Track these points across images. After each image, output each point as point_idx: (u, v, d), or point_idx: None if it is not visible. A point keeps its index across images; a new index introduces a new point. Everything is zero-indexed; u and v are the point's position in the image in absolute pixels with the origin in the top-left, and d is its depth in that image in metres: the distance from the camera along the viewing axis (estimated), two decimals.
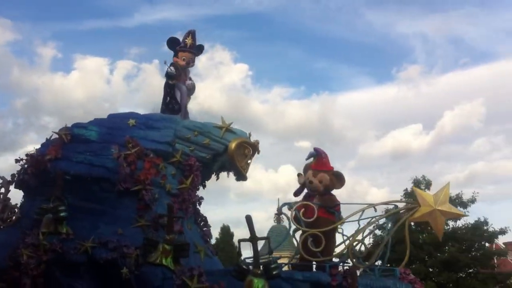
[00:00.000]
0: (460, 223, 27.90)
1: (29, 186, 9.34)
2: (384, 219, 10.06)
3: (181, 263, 8.55)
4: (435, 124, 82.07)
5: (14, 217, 9.33)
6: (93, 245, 8.51)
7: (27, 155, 9.40)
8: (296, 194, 9.77)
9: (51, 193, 9.05)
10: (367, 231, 9.39)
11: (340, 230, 9.55)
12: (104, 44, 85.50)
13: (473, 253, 27.50)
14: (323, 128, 72.18)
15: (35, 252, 8.44)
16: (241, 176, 10.22)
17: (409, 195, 29.58)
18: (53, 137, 9.77)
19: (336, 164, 9.84)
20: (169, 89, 10.58)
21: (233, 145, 9.81)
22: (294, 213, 9.14)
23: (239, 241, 8.84)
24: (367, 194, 60.94)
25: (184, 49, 10.84)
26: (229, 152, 9.79)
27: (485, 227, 27.94)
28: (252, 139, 10.36)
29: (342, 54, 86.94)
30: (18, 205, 9.74)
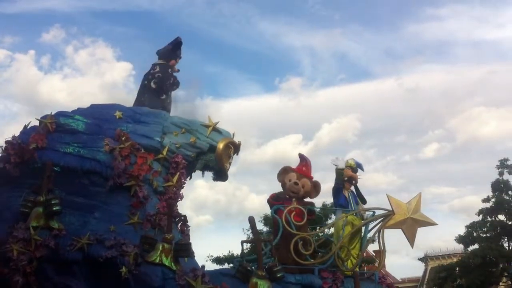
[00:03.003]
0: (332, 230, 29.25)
1: (9, 176, 8.59)
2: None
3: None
4: (313, 135, 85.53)
5: None
6: (89, 242, 8.05)
7: (7, 142, 8.67)
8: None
9: (34, 184, 8.48)
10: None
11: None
12: None
13: None
14: None
15: (26, 247, 7.85)
16: (223, 176, 10.12)
17: None
18: (31, 125, 9.13)
19: None
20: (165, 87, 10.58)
21: (221, 145, 9.70)
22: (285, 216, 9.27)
23: (242, 242, 8.82)
24: (246, 200, 61.94)
25: (180, 57, 11.04)
26: (217, 152, 9.66)
27: None
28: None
29: (232, 60, 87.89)
30: None
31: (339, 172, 10.01)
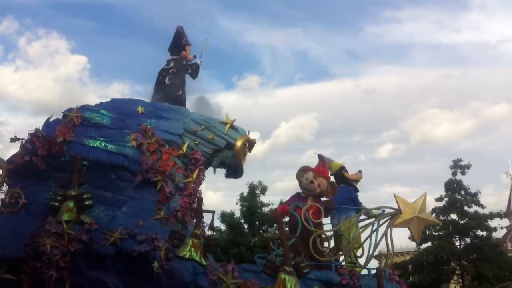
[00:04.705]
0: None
1: (35, 169, 8.46)
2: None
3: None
4: (271, 134, 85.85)
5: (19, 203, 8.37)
6: (121, 237, 8.03)
7: (31, 135, 8.53)
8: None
9: (61, 178, 8.43)
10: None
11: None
12: None
13: None
14: None
15: (58, 241, 7.76)
16: (238, 173, 10.26)
17: (244, 199, 31.17)
18: (53, 118, 9.04)
19: None
20: (180, 82, 10.58)
21: (239, 143, 9.86)
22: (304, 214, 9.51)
23: (269, 238, 8.97)
24: (203, 197, 61.54)
25: (188, 44, 10.91)
26: (235, 150, 9.81)
27: None
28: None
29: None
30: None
31: None
